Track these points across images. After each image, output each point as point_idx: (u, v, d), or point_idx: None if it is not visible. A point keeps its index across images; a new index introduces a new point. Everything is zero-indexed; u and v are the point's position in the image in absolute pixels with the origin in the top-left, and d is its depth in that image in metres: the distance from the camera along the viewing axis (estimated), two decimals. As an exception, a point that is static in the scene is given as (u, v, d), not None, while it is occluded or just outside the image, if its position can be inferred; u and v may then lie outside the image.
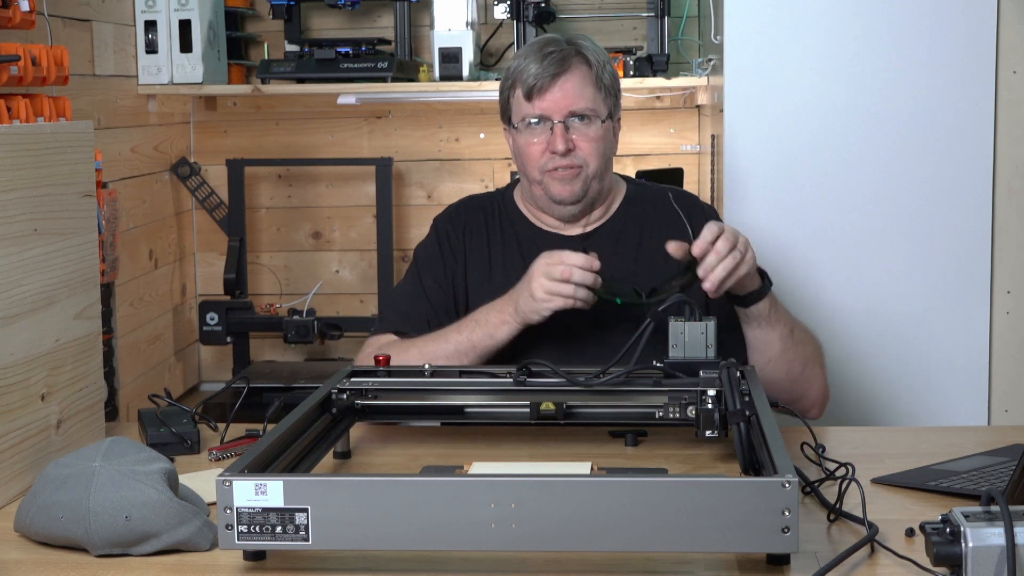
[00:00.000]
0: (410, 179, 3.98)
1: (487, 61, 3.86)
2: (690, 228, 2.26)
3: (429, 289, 2.31)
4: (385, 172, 3.79)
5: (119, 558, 1.56)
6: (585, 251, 2.10)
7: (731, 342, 2.17)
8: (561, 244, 2.28)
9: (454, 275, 2.31)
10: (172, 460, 1.93)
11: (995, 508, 1.37)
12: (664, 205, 2.32)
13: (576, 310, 2.11)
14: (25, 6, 2.42)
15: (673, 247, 2.07)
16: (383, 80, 3.53)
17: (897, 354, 3.09)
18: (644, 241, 2.29)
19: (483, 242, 2.31)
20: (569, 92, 2.22)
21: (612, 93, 2.27)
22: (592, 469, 1.74)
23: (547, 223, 2.31)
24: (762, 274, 2.16)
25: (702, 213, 2.34)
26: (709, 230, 2.04)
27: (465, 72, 3.55)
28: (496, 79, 3.61)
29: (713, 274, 2.02)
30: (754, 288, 2.13)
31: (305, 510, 1.45)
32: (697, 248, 2.03)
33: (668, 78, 3.49)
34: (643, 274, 2.25)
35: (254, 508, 1.45)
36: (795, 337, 2.20)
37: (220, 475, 1.47)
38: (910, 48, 3.03)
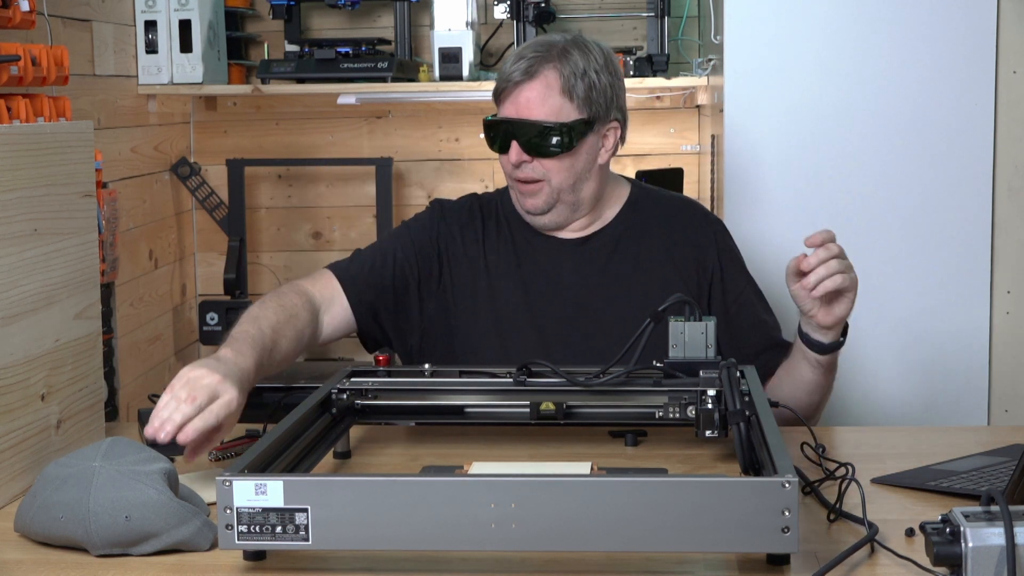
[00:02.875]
0: (410, 179, 3.98)
1: (487, 61, 3.86)
2: (694, 245, 2.25)
3: (382, 251, 2.27)
4: (385, 172, 3.79)
5: (119, 558, 1.56)
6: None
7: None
8: (557, 248, 2.26)
9: (421, 259, 2.25)
10: (172, 460, 1.93)
11: (995, 508, 1.37)
12: (668, 213, 2.30)
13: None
14: (25, 6, 2.42)
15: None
16: (383, 80, 3.53)
17: (897, 354, 3.09)
18: (644, 247, 2.27)
19: (478, 242, 2.29)
20: (531, 101, 2.16)
21: (596, 103, 2.18)
22: (592, 469, 1.74)
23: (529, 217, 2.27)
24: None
25: (709, 228, 2.32)
26: (821, 236, 2.02)
27: (465, 72, 3.55)
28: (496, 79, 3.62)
29: (815, 274, 1.99)
30: (837, 337, 2.09)
31: (305, 510, 1.45)
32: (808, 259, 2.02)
33: (668, 78, 3.49)
34: (641, 281, 2.24)
35: (254, 508, 1.45)
36: (830, 380, 2.16)
37: (220, 475, 1.47)
38: (910, 48, 3.03)
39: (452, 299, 2.25)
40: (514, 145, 2.17)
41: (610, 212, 2.29)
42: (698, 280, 2.24)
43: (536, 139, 2.16)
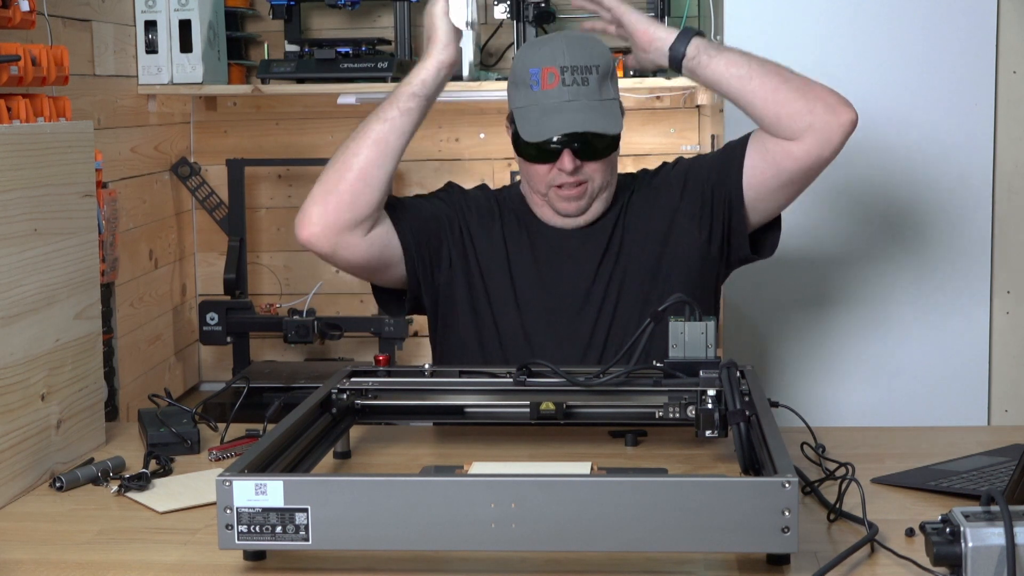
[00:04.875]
0: (410, 179, 3.98)
1: (487, 61, 3.86)
2: (668, 186, 2.30)
3: (423, 204, 2.31)
4: (385, 172, 3.79)
5: (118, 558, 1.56)
6: None
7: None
8: (564, 236, 2.28)
9: (450, 214, 2.29)
10: (172, 460, 1.94)
11: (995, 508, 1.37)
12: (646, 180, 2.34)
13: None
14: (25, 6, 2.42)
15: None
16: (383, 80, 3.53)
17: (897, 354, 3.09)
18: (642, 211, 2.29)
19: (496, 221, 2.31)
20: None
21: (617, 98, 2.25)
22: (592, 469, 1.74)
23: (549, 217, 2.30)
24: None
25: (670, 166, 2.37)
26: None
27: (465, 72, 3.55)
28: (496, 79, 3.61)
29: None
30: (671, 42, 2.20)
31: (305, 510, 1.45)
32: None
33: (668, 78, 3.49)
34: (628, 247, 2.26)
35: (254, 508, 1.45)
36: (762, 63, 2.22)
37: (220, 475, 1.47)
38: (910, 48, 3.03)
39: (475, 269, 2.27)
40: (567, 154, 2.18)
41: (610, 199, 2.31)
42: (683, 209, 2.28)
43: (596, 145, 2.20)
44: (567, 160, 2.18)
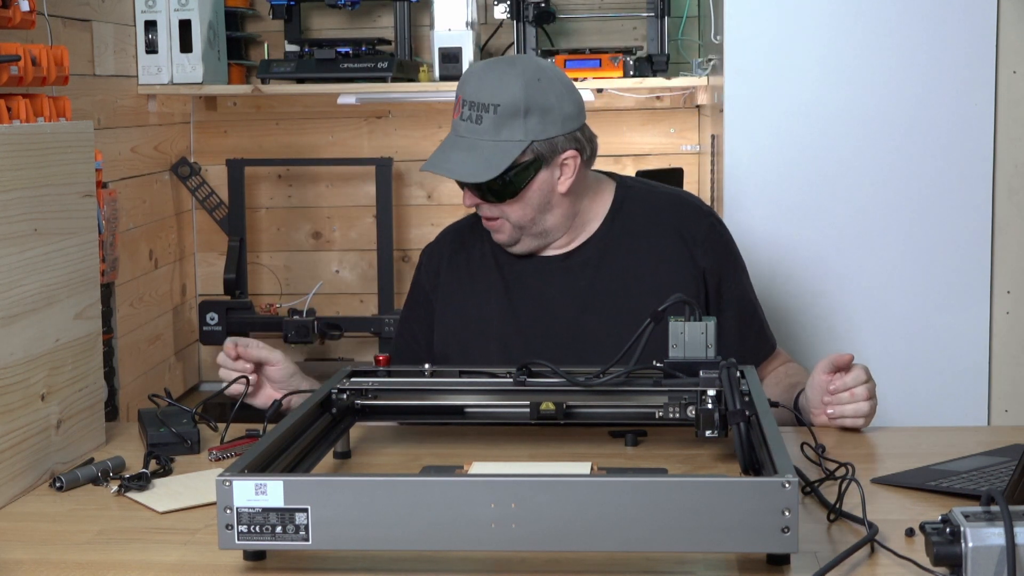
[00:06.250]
0: (410, 179, 3.98)
1: (487, 61, 3.86)
2: (685, 241, 2.21)
3: (412, 320, 2.33)
4: (385, 172, 3.79)
5: (118, 558, 1.56)
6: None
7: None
8: (542, 267, 2.24)
9: (430, 309, 2.30)
10: (172, 460, 1.94)
11: (995, 508, 1.37)
12: (657, 213, 2.25)
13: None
14: (25, 6, 2.42)
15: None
16: (383, 80, 3.53)
17: (897, 354, 3.09)
18: (632, 255, 2.22)
19: (460, 268, 2.27)
20: None
21: (542, 139, 2.10)
22: (592, 469, 1.74)
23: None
24: None
25: (702, 223, 2.25)
26: (855, 376, 2.01)
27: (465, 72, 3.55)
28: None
29: (842, 409, 2.02)
30: None
31: (305, 510, 1.45)
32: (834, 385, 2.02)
33: (668, 78, 3.50)
34: (632, 290, 2.20)
35: (254, 508, 1.45)
36: None
37: (220, 475, 1.47)
38: (910, 48, 3.03)
39: (443, 326, 2.26)
40: (466, 191, 2.17)
41: (593, 223, 2.24)
42: (694, 281, 2.21)
43: (480, 188, 2.14)
44: (466, 196, 2.17)
